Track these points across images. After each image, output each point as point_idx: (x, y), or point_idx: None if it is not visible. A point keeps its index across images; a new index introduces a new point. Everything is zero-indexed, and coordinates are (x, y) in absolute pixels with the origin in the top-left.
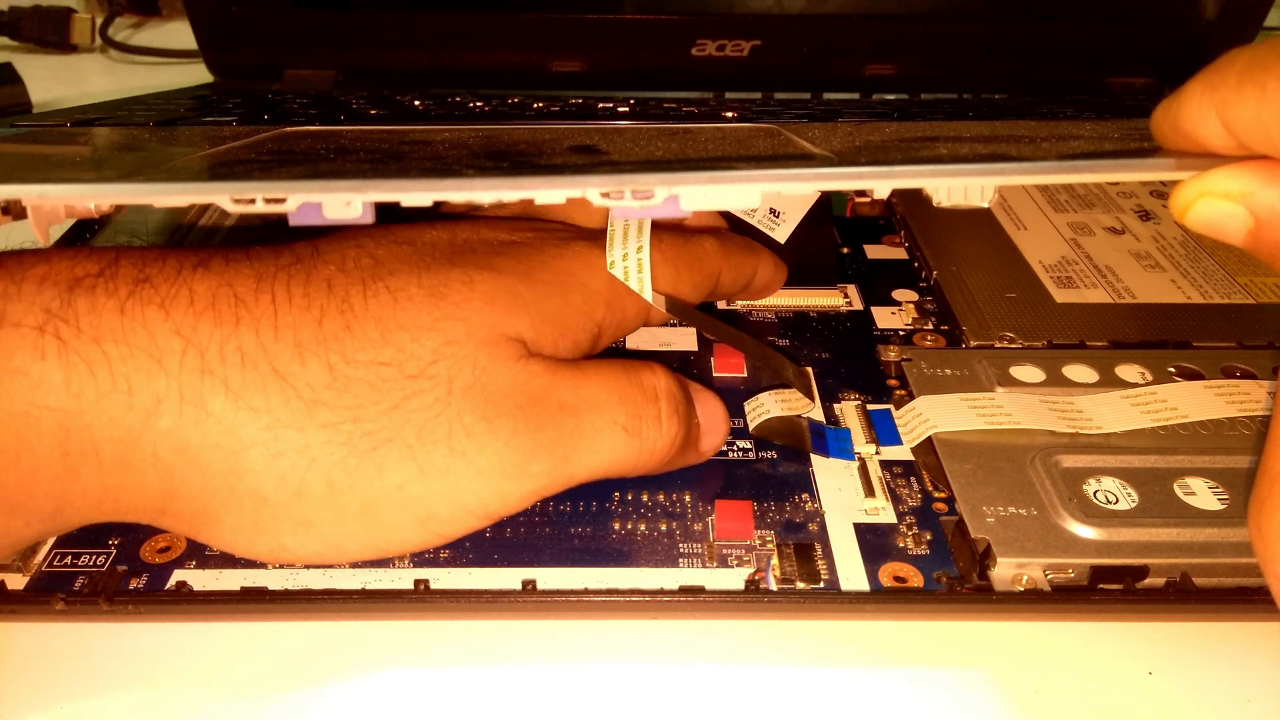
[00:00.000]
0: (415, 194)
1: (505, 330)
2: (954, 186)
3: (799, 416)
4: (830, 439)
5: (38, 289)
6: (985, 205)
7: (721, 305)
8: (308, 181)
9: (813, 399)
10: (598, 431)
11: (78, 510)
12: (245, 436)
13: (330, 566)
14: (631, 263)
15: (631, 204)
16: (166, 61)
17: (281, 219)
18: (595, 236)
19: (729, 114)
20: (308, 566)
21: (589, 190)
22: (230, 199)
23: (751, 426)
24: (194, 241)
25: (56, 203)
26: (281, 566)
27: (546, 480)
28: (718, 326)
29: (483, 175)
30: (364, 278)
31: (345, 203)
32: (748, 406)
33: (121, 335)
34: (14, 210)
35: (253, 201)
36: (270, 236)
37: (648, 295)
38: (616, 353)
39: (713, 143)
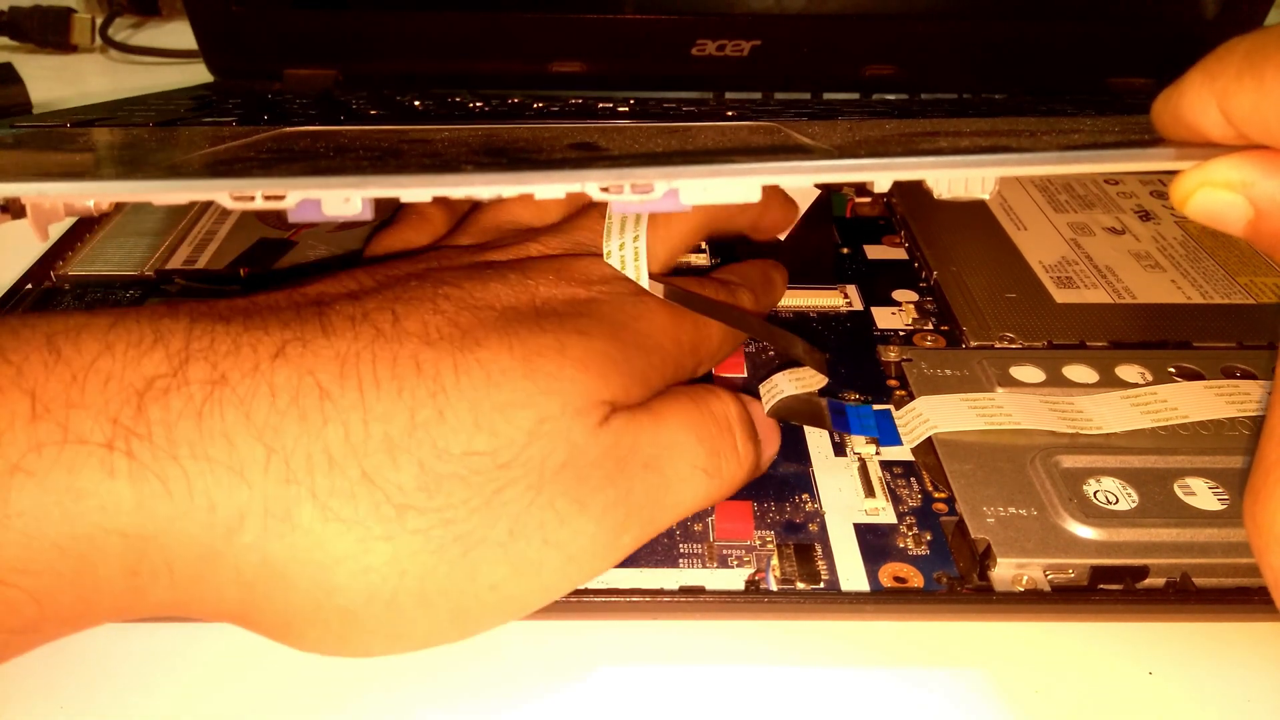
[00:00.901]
0: (414, 190)
1: (600, 396)
2: (954, 178)
3: (815, 394)
4: (851, 416)
5: (103, 393)
6: (985, 197)
7: None
8: (307, 178)
9: (825, 374)
10: (682, 481)
11: (140, 616)
12: (334, 550)
13: None
14: (628, 251)
15: (631, 198)
16: (166, 61)
17: (279, 272)
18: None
19: (729, 113)
20: None
21: (588, 185)
22: (230, 196)
23: (767, 409)
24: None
25: (56, 201)
26: None
27: (634, 546)
28: (729, 312)
29: (482, 171)
30: (453, 350)
31: (344, 199)
32: (762, 389)
33: (200, 448)
34: (13, 208)
35: (252, 198)
36: (269, 277)
37: (644, 282)
38: None
39: (712, 139)
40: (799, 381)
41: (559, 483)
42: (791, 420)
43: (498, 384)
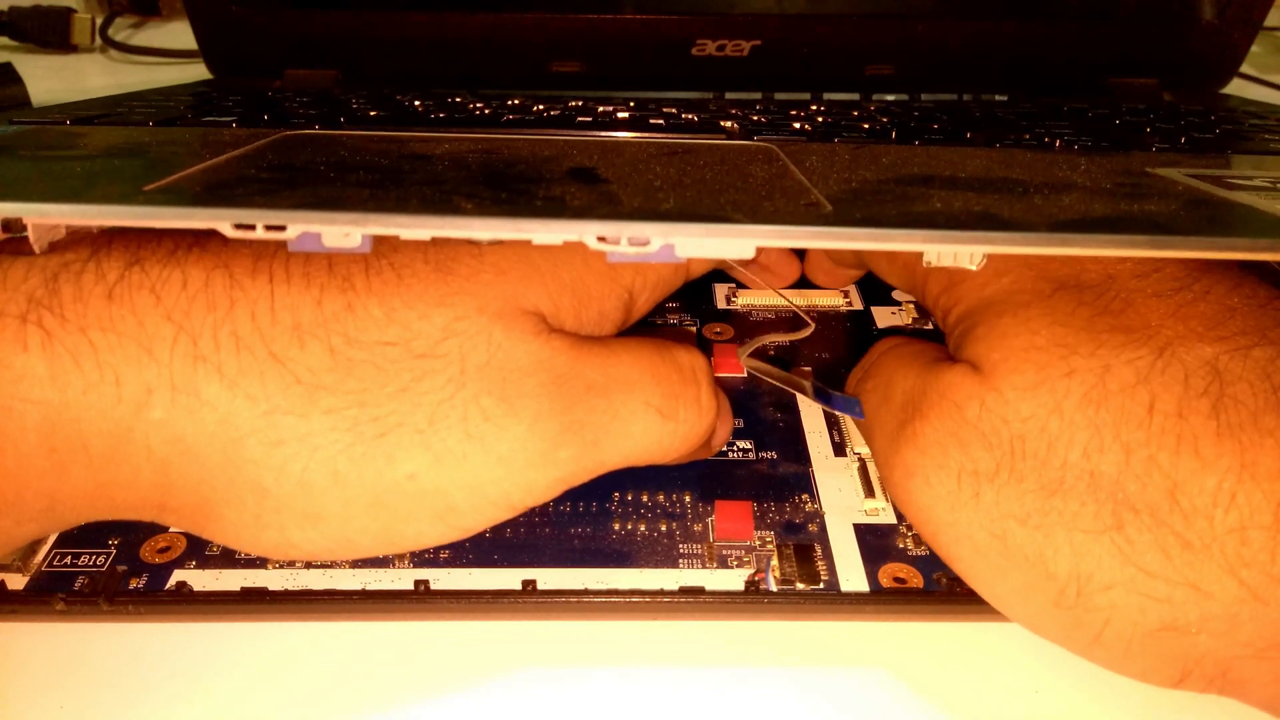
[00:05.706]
0: (415, 230)
1: (521, 303)
2: (944, 252)
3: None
4: (835, 397)
5: (24, 275)
6: (973, 268)
7: (721, 305)
8: (308, 212)
9: (809, 324)
10: (631, 414)
11: (72, 508)
12: (242, 425)
13: (344, 559)
14: None
15: (628, 250)
16: (166, 61)
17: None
18: None
19: (728, 123)
20: (322, 565)
21: (586, 235)
22: (231, 225)
23: (743, 355)
24: None
25: (58, 222)
26: (292, 564)
27: (575, 467)
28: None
29: (482, 214)
30: (365, 256)
31: (344, 234)
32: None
33: (109, 323)
34: (14, 227)
35: (253, 228)
36: None
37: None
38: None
39: (710, 168)
40: (783, 336)
41: (483, 380)
42: (766, 376)
43: (409, 285)
